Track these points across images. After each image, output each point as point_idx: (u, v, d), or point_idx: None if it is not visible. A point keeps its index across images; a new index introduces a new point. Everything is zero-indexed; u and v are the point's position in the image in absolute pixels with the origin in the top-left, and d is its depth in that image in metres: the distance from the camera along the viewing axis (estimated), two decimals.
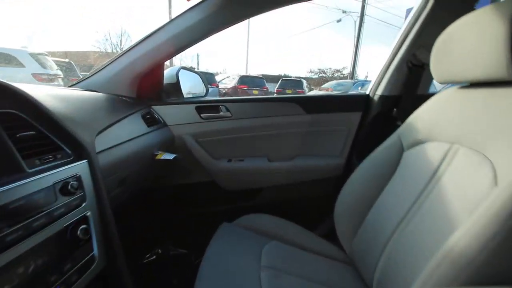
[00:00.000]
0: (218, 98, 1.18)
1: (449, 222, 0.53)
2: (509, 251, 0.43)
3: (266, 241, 0.80)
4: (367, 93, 1.10)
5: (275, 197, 1.16)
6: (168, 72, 1.09)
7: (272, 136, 1.09)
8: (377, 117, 1.05)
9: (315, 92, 9.28)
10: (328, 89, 7.79)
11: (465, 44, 0.60)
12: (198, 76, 1.33)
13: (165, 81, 1.05)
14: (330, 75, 19.67)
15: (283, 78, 11.35)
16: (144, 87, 0.96)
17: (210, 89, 7.89)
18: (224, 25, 0.88)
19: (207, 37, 0.90)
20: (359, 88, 7.61)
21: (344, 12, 13.04)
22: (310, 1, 0.92)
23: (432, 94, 0.78)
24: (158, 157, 0.85)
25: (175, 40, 0.88)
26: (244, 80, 9.34)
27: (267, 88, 9.75)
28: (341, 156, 1.12)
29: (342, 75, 17.95)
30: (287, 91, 10.05)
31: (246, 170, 1.08)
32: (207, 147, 1.07)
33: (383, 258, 0.66)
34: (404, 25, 0.98)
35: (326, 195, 1.08)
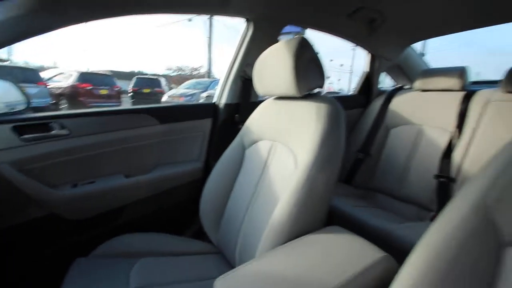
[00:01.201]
0: (47, 113, 0.97)
1: (274, 199, 0.73)
2: (307, 213, 0.66)
3: (134, 262, 0.78)
4: (214, 101, 1.25)
5: (139, 213, 1.12)
6: None
7: (126, 150, 1.03)
8: (224, 122, 1.22)
9: (175, 91, 9.06)
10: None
11: (271, 68, 0.83)
12: (10, 84, 1.04)
13: None
14: (188, 73, 19.85)
15: (138, 76, 10.37)
16: None
17: (36, 90, 6.09)
18: (46, 28, 0.74)
19: (18, 41, 0.73)
20: (217, 87, 8.16)
21: None
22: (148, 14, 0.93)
23: (261, 102, 1.00)
24: None
25: None
26: (86, 77, 7.71)
27: (119, 87, 8.59)
28: (199, 160, 1.22)
29: (200, 74, 18.55)
30: (144, 91, 9.28)
31: (100, 192, 0.98)
32: (39, 174, 0.87)
33: (239, 238, 0.81)
34: (236, 46, 1.18)
35: (191, 198, 1.15)
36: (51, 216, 0.91)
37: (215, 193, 0.94)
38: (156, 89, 9.46)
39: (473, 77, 1.44)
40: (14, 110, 0.98)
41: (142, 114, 1.06)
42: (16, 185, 0.82)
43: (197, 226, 1.23)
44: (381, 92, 1.71)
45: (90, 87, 7.58)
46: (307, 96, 0.82)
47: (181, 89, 9.04)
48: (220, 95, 1.24)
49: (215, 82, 8.89)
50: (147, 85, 9.47)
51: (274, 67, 0.81)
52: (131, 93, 9.33)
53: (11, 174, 0.81)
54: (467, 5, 1.04)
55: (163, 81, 10.19)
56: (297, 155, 0.74)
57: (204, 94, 7.84)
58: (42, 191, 0.87)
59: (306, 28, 1.25)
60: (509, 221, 0.37)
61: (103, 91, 7.84)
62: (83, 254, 0.80)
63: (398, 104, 1.51)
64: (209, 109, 1.22)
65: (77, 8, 0.76)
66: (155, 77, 10.60)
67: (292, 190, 0.67)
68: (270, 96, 0.94)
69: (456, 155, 1.16)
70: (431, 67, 1.66)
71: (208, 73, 12.81)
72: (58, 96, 7.29)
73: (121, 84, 8.98)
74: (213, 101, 1.25)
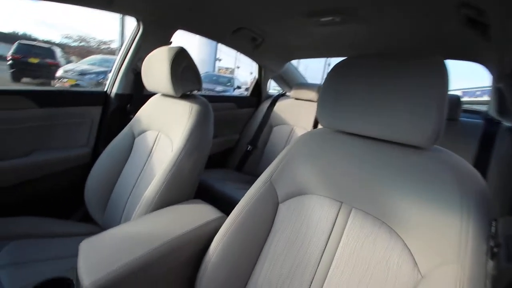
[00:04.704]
0: None
1: (151, 178, 0.89)
2: (173, 188, 0.85)
3: (3, 244, 0.79)
4: (105, 90, 1.29)
5: (15, 197, 1.07)
6: None
7: None
8: (115, 111, 1.27)
9: (74, 66, 7.67)
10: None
11: (156, 67, 0.97)
12: None
13: None
14: (95, 46, 17.15)
15: (22, 41, 8.31)
16: None
17: None
18: None
19: None
20: None
21: None
22: None
23: (152, 95, 1.12)
24: None
25: None
26: None
27: None
28: (88, 146, 1.25)
29: (110, 49, 16.30)
30: (31, 60, 7.53)
31: None
32: None
33: (123, 216, 0.94)
34: (126, 40, 1.24)
35: (78, 183, 1.17)
36: None
37: (102, 177, 1.02)
38: (48, 60, 7.81)
39: None
40: None
41: (16, 96, 1.02)
42: None
43: (84, 211, 1.25)
44: (269, 96, 2.07)
45: None
46: (185, 96, 1.00)
47: (83, 65, 7.73)
48: (111, 85, 1.28)
49: None
50: (36, 54, 7.69)
51: (157, 69, 0.96)
52: (10, 61, 7.44)
53: None
54: (333, 37, 1.35)
55: (58, 52, 8.47)
56: (173, 143, 0.92)
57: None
58: None
59: (199, 35, 1.42)
60: (280, 188, 0.65)
61: None
62: None
63: (280, 107, 1.88)
64: (100, 97, 1.26)
65: None
66: (47, 45, 8.70)
67: (164, 170, 0.85)
68: (156, 92, 1.08)
69: None
70: (303, 82, 2.11)
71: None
72: None
73: None
74: (104, 90, 1.28)
